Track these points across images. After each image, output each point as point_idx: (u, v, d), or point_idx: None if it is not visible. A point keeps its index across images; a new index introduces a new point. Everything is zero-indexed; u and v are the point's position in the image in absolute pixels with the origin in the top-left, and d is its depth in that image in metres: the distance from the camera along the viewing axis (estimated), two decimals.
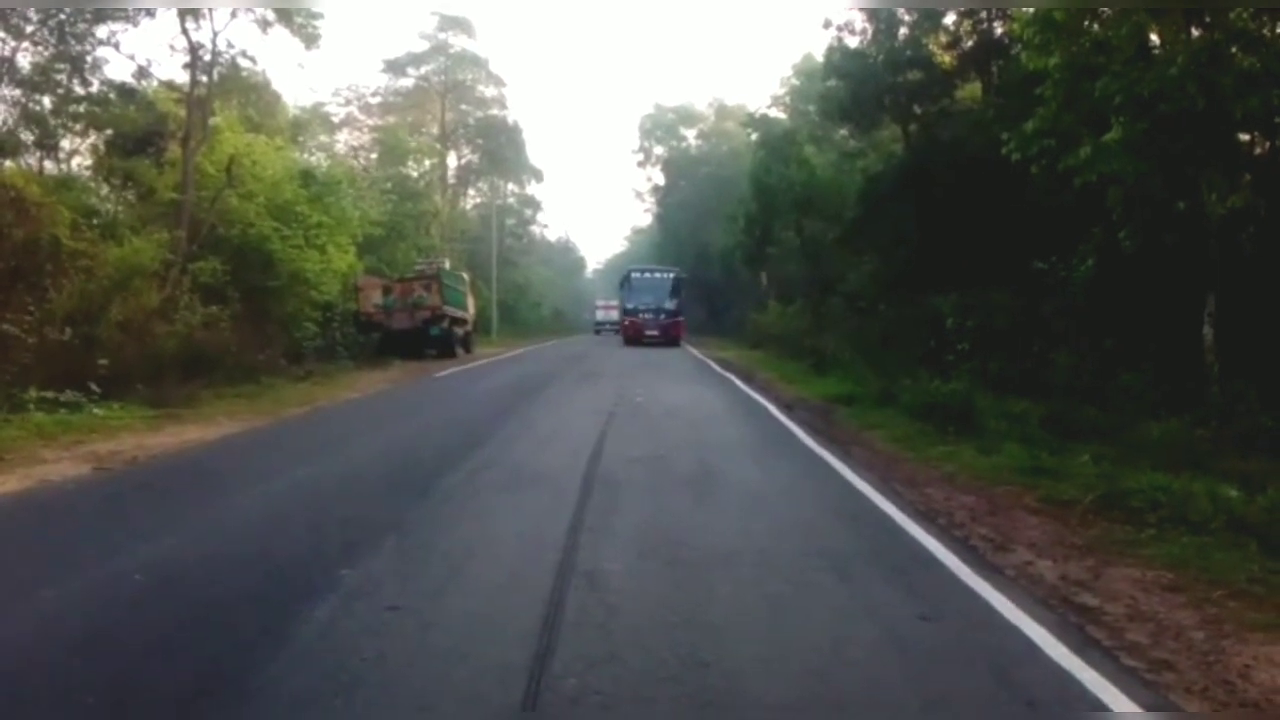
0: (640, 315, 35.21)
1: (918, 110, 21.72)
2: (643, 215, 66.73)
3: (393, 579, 4.63)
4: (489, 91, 43.43)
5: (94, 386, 11.46)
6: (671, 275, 36.67)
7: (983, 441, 9.52)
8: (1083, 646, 3.99)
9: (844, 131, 27.13)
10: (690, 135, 54.76)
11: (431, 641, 3.77)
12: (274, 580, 4.57)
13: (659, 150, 55.63)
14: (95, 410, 10.91)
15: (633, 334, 35.10)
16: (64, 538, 5.60)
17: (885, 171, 23.34)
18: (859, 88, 21.78)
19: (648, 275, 37.37)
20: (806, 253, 28.05)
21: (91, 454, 8.44)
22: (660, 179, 55.84)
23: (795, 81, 39.48)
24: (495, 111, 43.54)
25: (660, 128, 55.16)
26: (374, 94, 40.19)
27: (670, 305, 35.30)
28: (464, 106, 42.97)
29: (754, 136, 33.82)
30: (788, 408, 13.47)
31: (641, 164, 56.90)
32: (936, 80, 20.80)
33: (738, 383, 18.11)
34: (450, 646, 3.71)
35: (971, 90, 20.89)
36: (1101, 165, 9.65)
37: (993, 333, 15.38)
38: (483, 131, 42.26)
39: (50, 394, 10.90)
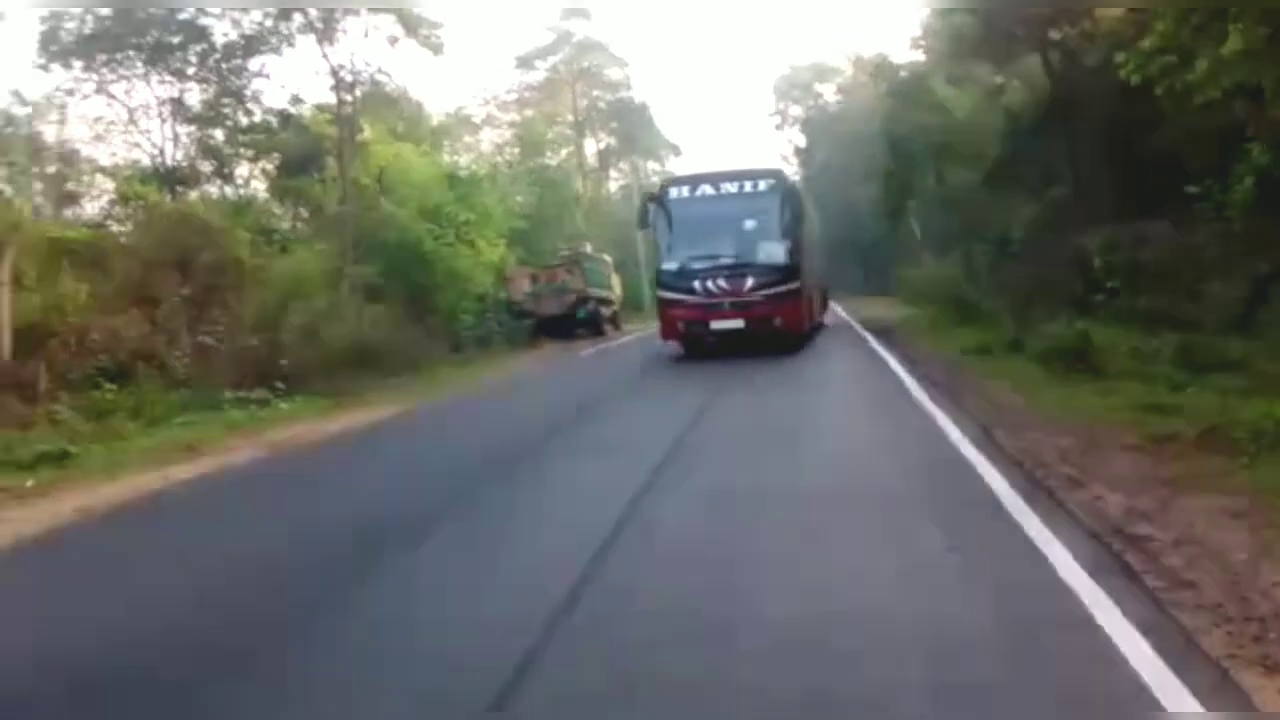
0: (698, 285, 14.43)
1: (1055, 36, 20.42)
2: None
3: (484, 528, 5.38)
4: (615, 74, 44.46)
5: (278, 384, 13.10)
6: (766, 188, 14.86)
7: (1105, 382, 9.26)
8: (1105, 571, 4.12)
9: (989, 66, 25.83)
10: (828, 92, 53.59)
11: (500, 571, 4.48)
12: (384, 531, 5.47)
13: (796, 111, 54.81)
14: (280, 405, 12.53)
15: (685, 328, 14.86)
16: (232, 506, 6.92)
17: (1028, 105, 22.16)
18: (989, 19, 20.75)
19: (709, 194, 15.04)
20: (949, 201, 26.93)
21: (269, 442, 9.82)
22: (800, 140, 55.09)
23: (932, 21, 37.68)
24: (623, 93, 44.49)
25: (796, 87, 54.18)
26: (509, 91, 42.34)
27: (773, 255, 14.42)
28: (595, 92, 44.15)
29: (882, 87, 32.15)
30: (913, 363, 13.36)
31: (779, 126, 56.34)
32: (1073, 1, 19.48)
33: (871, 341, 17.96)
34: (512, 575, 4.39)
35: (1113, 9, 19.40)
36: (1223, 78, 9.03)
37: (1142, 268, 14.52)
38: (614, 114, 43.25)
39: (242, 393, 12.59)
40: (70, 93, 17.80)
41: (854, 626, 3.63)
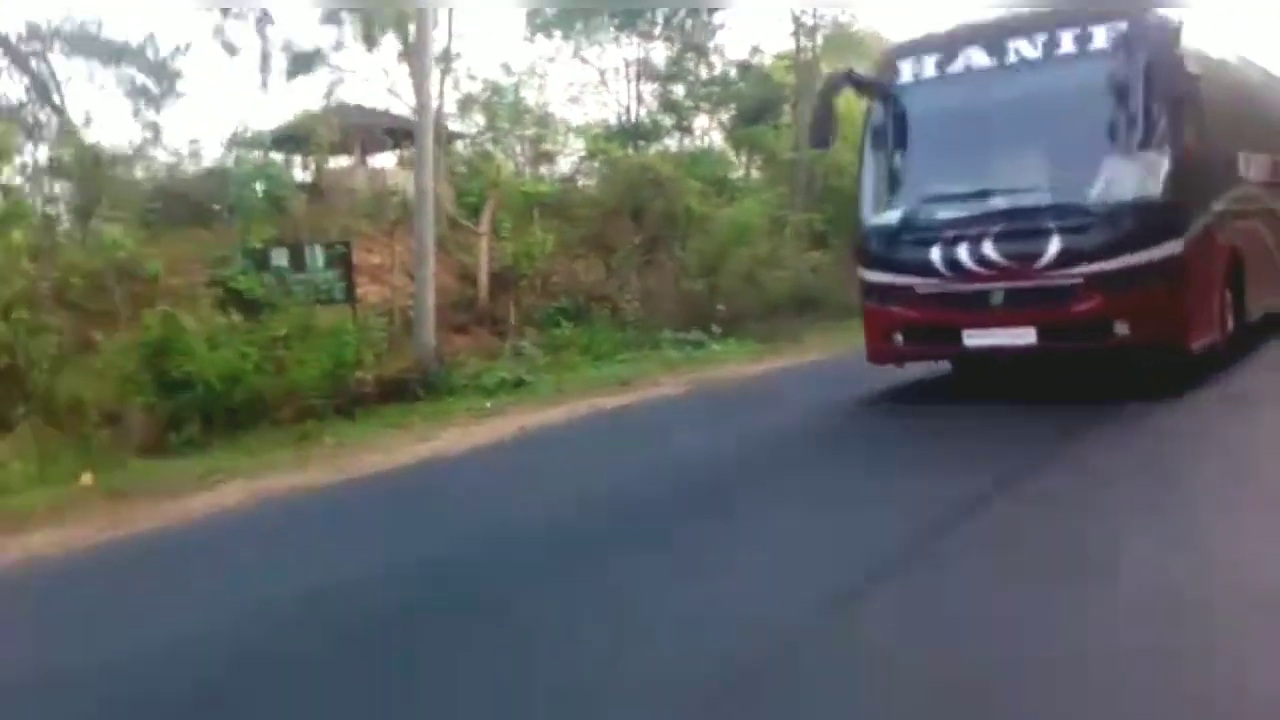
0: (938, 256, 7.16)
1: None
2: None
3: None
4: None
5: (715, 327, 13.97)
6: (1107, 44, 6.91)
7: None
8: None
9: None
10: None
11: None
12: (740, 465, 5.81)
13: None
14: (714, 346, 13.42)
15: (906, 342, 7.62)
16: (635, 431, 8.05)
17: None
18: None
19: (983, 66, 7.40)
20: None
21: (694, 379, 10.61)
22: None
23: None
24: None
25: None
26: None
27: (1119, 187, 6.73)
28: None
29: None
30: None
31: None
32: None
33: None
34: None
35: None
36: None
37: None
38: None
39: (680, 335, 13.66)
40: (550, 60, 20.88)
41: None
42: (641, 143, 20.17)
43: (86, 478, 7.10)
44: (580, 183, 17.80)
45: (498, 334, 12.35)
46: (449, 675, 2.95)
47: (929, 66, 7.73)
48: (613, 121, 21.36)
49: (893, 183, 7.89)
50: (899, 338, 7.58)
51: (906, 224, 7.44)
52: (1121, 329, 6.66)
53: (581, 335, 12.68)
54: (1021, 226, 6.89)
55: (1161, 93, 6.69)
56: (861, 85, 8.32)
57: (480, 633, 3.34)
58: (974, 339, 7.16)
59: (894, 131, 7.83)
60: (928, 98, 7.66)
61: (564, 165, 18.49)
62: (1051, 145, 7.14)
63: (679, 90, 22.19)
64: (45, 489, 6.93)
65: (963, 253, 7.01)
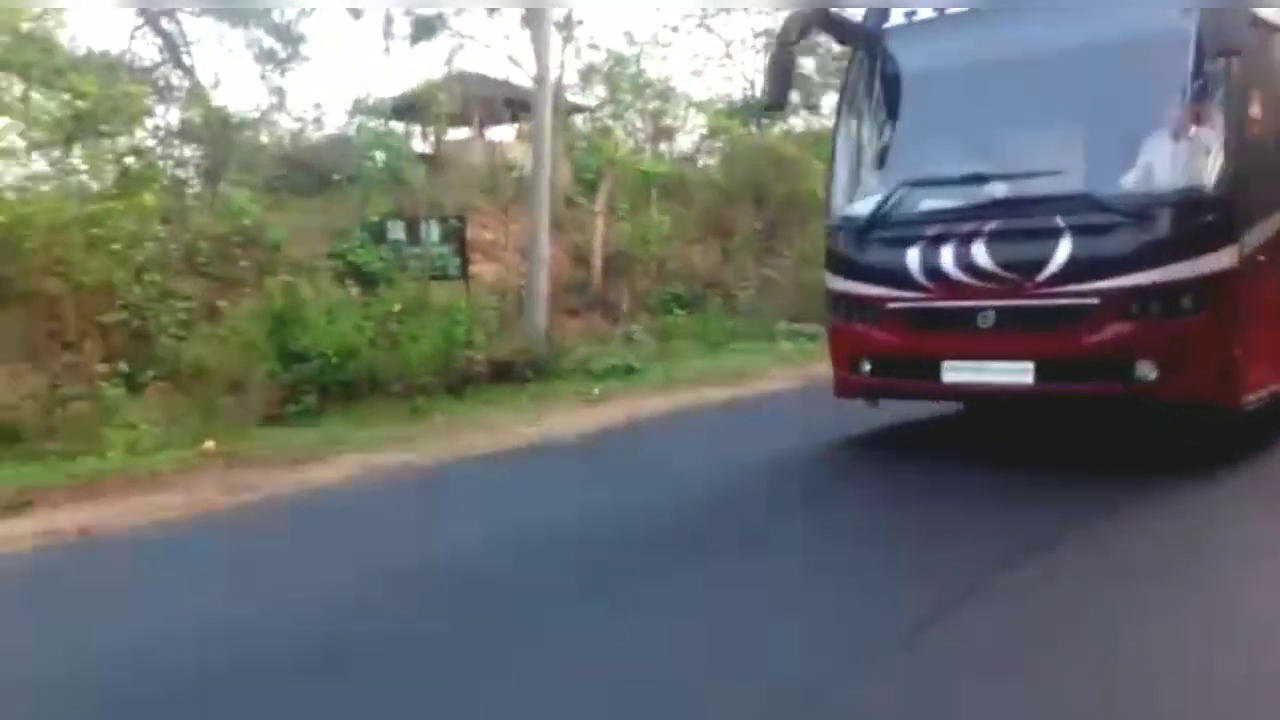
0: (916, 260, 5.70)
1: None
2: None
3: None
4: None
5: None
6: (1160, 22, 5.16)
7: None
8: None
9: None
10: None
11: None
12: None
13: None
14: None
15: (874, 373, 6.13)
16: (753, 424, 8.33)
17: None
18: None
19: (993, 28, 5.84)
20: None
21: (806, 374, 10.48)
22: None
23: None
24: None
25: None
26: None
27: (1155, 180, 5.19)
28: None
29: None
30: None
31: None
32: None
33: None
34: None
35: None
36: None
37: None
38: None
39: (796, 326, 13.54)
40: (675, 30, 20.59)
41: None
42: (765, 121, 19.87)
43: (209, 443, 7.49)
44: (700, 162, 17.67)
45: (608, 319, 12.46)
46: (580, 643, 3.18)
47: (930, 25, 6.30)
48: (736, 97, 21.08)
49: (871, 160, 6.46)
50: (866, 367, 6.20)
51: (880, 216, 5.97)
52: (1145, 371, 5.15)
53: (694, 323, 12.70)
54: (1023, 224, 5.48)
55: (1218, 50, 5.08)
56: (838, 28, 6.67)
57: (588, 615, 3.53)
58: (955, 374, 5.72)
59: (876, 91, 6.40)
60: (920, 47, 6.23)
61: (684, 143, 18.38)
62: (1071, 114, 5.78)
63: (809, 64, 21.63)
64: (171, 452, 7.33)
65: (946, 257, 5.61)
